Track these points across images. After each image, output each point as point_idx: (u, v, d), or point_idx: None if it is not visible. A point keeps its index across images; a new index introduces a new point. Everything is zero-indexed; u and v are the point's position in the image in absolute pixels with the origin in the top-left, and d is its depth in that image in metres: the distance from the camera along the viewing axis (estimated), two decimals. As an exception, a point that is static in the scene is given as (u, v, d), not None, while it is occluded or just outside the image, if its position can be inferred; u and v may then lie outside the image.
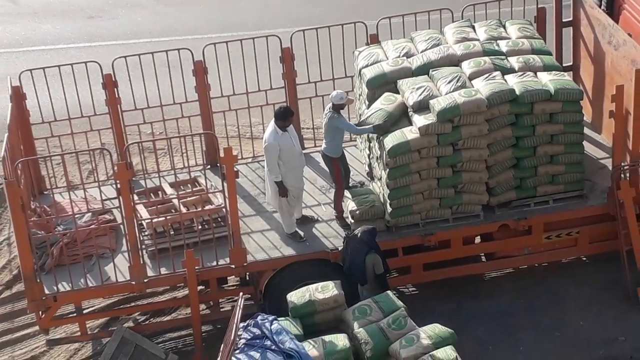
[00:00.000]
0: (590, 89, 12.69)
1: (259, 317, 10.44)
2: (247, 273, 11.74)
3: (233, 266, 11.36)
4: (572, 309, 11.71)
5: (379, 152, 11.54)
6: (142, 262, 11.25)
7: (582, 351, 11.17)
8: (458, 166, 11.38)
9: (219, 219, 11.63)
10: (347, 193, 11.75)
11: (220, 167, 11.17)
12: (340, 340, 10.19)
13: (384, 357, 10.19)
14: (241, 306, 10.26)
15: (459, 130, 11.24)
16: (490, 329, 11.52)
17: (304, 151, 12.05)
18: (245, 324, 10.37)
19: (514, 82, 11.46)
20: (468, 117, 11.18)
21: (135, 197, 11.46)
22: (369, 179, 12.28)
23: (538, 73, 11.65)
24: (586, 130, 12.04)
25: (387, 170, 11.27)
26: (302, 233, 11.55)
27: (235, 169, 10.97)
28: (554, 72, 11.65)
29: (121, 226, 11.30)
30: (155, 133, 13.59)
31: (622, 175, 11.59)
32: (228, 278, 12.14)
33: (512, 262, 12.04)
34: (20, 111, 12.17)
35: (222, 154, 10.93)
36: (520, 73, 11.60)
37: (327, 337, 10.24)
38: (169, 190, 12.05)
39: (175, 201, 11.66)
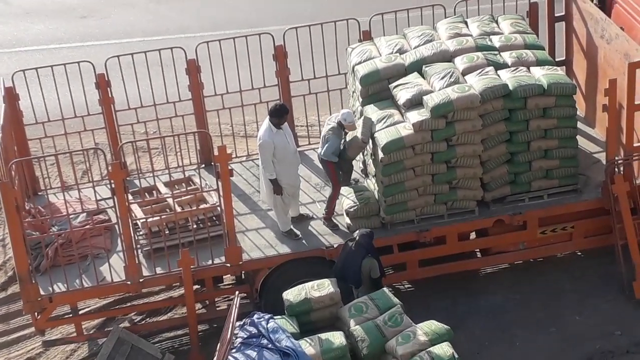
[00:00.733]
0: (583, 83, 12.69)
1: (255, 316, 10.41)
2: (243, 272, 11.72)
3: (228, 265, 11.33)
4: (568, 304, 11.71)
5: (373, 149, 11.51)
6: (137, 262, 11.22)
7: (578, 346, 11.17)
8: (452, 162, 11.36)
9: (214, 218, 11.59)
10: (342, 190, 11.72)
11: (214, 166, 11.14)
12: (337, 338, 10.18)
13: (380, 354, 10.18)
14: (237, 305, 10.23)
15: (452, 126, 11.22)
16: (486, 325, 11.51)
17: (298, 149, 12.01)
18: (242, 322, 10.35)
19: (507, 77, 11.44)
20: (462, 112, 11.16)
21: (130, 197, 11.42)
22: (364, 175, 12.26)
23: (531, 68, 11.64)
24: (580, 125, 12.03)
25: (382, 166, 11.25)
26: (297, 231, 11.52)
27: (229, 168, 10.94)
28: (547, 66, 11.64)
29: (116, 226, 11.27)
30: (149, 132, 13.55)
31: (616, 169, 11.58)
32: (224, 277, 12.13)
33: (507, 257, 12.03)
34: (14, 112, 12.13)
35: (216, 153, 10.90)
36: (513, 68, 11.59)
37: (323, 335, 10.22)
38: (163, 190, 12.01)
39: (170, 200, 11.63)
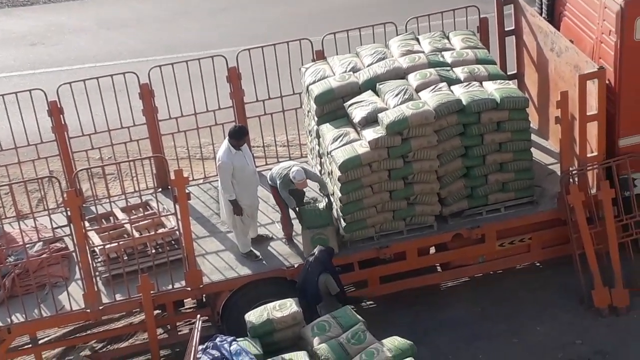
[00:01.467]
0: (536, 96, 12.85)
1: (218, 339, 10.38)
2: (204, 295, 11.68)
3: (189, 289, 11.29)
4: (529, 315, 11.81)
5: (330, 168, 11.56)
6: (96, 289, 11.14)
7: (540, 356, 11.26)
8: (409, 178, 11.44)
9: (173, 242, 11.55)
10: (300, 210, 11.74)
11: (171, 190, 11.11)
12: (300, 357, 10.17)
13: (344, 372, 10.18)
14: (199, 328, 10.19)
15: (408, 143, 11.30)
16: (449, 339, 11.57)
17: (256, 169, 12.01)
18: (204, 346, 10.31)
19: (460, 92, 11.55)
20: (417, 129, 11.25)
21: (87, 224, 11.35)
22: (321, 194, 12.28)
23: (483, 82, 11.77)
24: (533, 137, 12.16)
25: (339, 185, 11.29)
26: (257, 252, 11.52)
27: (186, 191, 10.92)
28: (499, 81, 11.77)
29: (73, 254, 11.17)
30: (104, 158, 13.46)
31: (571, 180, 11.73)
32: (184, 301, 12.06)
33: (467, 271, 12.11)
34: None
35: (172, 177, 10.87)
36: (466, 83, 11.71)
37: (287, 355, 10.22)
38: (120, 216, 11.95)
39: (128, 226, 11.57)
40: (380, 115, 11.38)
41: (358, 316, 10.62)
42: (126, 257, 11.39)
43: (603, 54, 11.69)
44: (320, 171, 12.11)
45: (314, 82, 12.05)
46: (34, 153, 12.67)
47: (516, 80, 13.13)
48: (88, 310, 11.15)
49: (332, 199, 11.55)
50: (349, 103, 11.71)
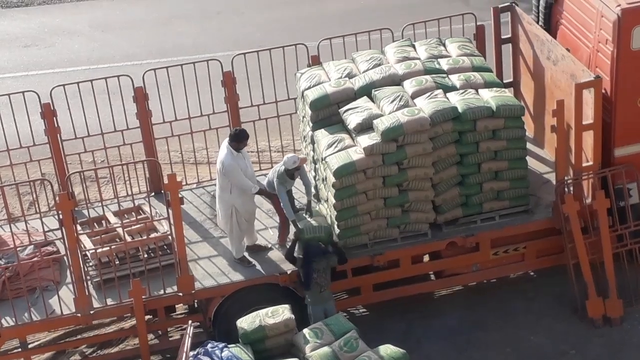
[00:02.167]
0: (532, 104, 12.89)
1: (209, 345, 10.39)
2: (196, 300, 11.68)
3: (181, 294, 11.29)
4: (522, 324, 11.83)
5: (324, 174, 11.59)
6: (87, 294, 11.14)
7: (534, 366, 11.31)
8: (404, 185, 11.47)
9: (165, 247, 11.56)
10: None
11: (164, 194, 11.13)
12: (292, 364, 10.18)
13: (336, 380, 10.20)
14: (190, 334, 10.20)
15: (403, 150, 11.33)
16: (442, 348, 11.59)
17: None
18: (195, 352, 10.31)
19: (456, 99, 11.59)
20: (412, 136, 11.28)
21: (79, 228, 11.36)
22: (315, 200, 12.32)
23: (479, 90, 11.80)
24: (529, 146, 12.21)
25: (334, 191, 11.32)
26: (250, 258, 11.53)
27: (179, 195, 10.93)
28: (495, 88, 11.80)
29: (65, 258, 11.18)
30: (97, 161, 13.48)
31: (566, 189, 11.76)
32: (176, 306, 12.07)
33: (461, 279, 12.13)
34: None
35: (166, 181, 10.89)
36: (461, 91, 11.74)
37: (278, 363, 10.22)
38: (112, 219, 11.96)
39: (120, 230, 11.58)
40: (375, 121, 11.42)
41: (351, 323, 10.64)
42: (118, 262, 11.40)
43: (599, 62, 11.74)
44: (314, 177, 12.13)
45: (309, 88, 12.08)
46: (26, 155, 12.67)
47: (512, 88, 13.16)
48: (79, 315, 11.15)
49: (312, 205, 11.50)
50: (344, 109, 11.74)
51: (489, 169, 11.67)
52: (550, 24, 12.78)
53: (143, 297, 11.11)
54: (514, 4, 12.84)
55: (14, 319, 11.13)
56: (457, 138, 11.55)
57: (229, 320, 11.16)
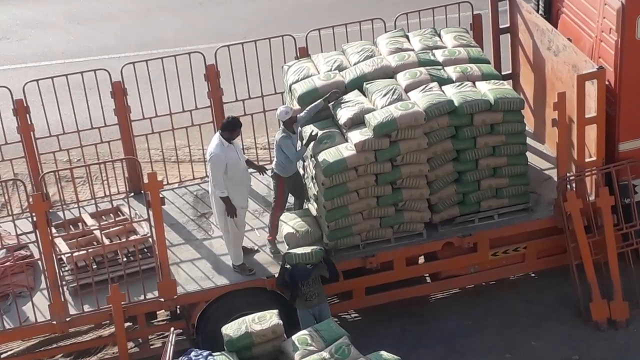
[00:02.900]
0: (532, 97, 12.88)
1: (193, 353, 10.34)
2: (178, 306, 11.62)
3: (162, 299, 11.24)
4: (523, 328, 11.82)
5: (314, 172, 11.54)
6: (63, 300, 11.08)
7: (535, 372, 11.29)
8: (398, 183, 11.43)
9: (145, 250, 11.51)
10: (282, 217, 11.71)
11: (144, 194, 11.06)
12: (281, 373, 10.14)
13: (328, 389, 10.16)
14: (173, 342, 10.16)
15: (397, 146, 11.30)
16: (438, 353, 11.57)
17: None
18: (178, 361, 10.26)
19: (452, 92, 11.56)
20: (406, 131, 11.25)
21: (54, 230, 11.30)
22: (305, 199, 12.26)
23: (477, 83, 11.78)
24: (529, 141, 12.19)
25: (323, 190, 11.27)
26: (250, 266, 11.42)
27: (160, 196, 10.87)
28: (493, 81, 11.79)
29: (39, 262, 11.12)
30: (73, 160, 13.41)
31: (568, 186, 11.75)
32: (157, 312, 12.02)
33: (458, 281, 12.11)
34: None
35: (146, 180, 10.83)
36: (458, 83, 11.72)
37: (266, 371, 10.18)
38: (89, 221, 11.91)
39: (97, 232, 11.53)
40: (367, 116, 11.38)
41: (342, 329, 10.61)
42: (95, 266, 11.35)
43: (603, 53, 11.72)
44: (303, 175, 12.07)
45: (297, 81, 12.03)
46: (-3, 154, 12.61)
47: (511, 81, 13.15)
48: (54, 322, 11.10)
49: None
50: (334, 103, 11.69)
51: (487, 165, 11.64)
52: (551, 13, 12.77)
53: (122, 303, 11.05)
54: (512, -8, 12.83)
55: (-15, 327, 11.05)
56: (453, 133, 11.52)
57: (213, 326, 11.11)
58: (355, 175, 11.28)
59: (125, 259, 11.35)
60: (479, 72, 11.89)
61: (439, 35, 12.52)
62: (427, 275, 12.25)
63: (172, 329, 10.51)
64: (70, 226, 11.77)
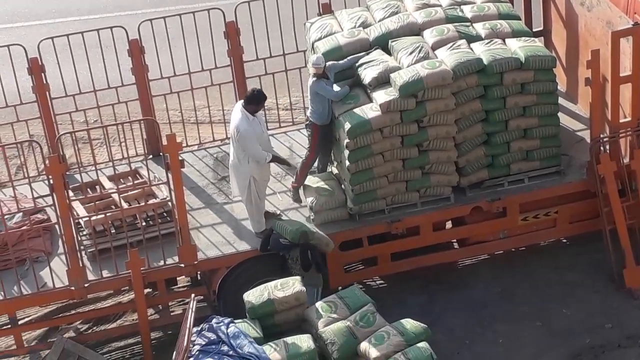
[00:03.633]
0: (564, 55, 12.79)
1: (214, 321, 10.40)
2: (199, 272, 11.69)
3: (182, 265, 11.30)
4: (554, 296, 11.82)
5: (337, 133, 11.52)
6: (81, 265, 11.15)
7: (567, 341, 11.28)
8: (424, 145, 11.40)
9: (165, 214, 11.55)
10: (306, 180, 11.71)
11: (163, 157, 11.09)
12: (304, 341, 10.19)
13: (352, 357, 10.21)
14: (193, 309, 10.21)
15: (423, 106, 11.25)
16: (466, 322, 11.60)
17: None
18: (199, 328, 10.33)
19: (481, 50, 11.49)
20: (433, 90, 11.20)
21: (71, 194, 11.35)
22: (329, 161, 12.26)
23: (506, 40, 11.70)
24: (561, 101, 12.12)
25: (347, 152, 11.26)
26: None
27: (180, 158, 10.89)
28: (523, 38, 11.71)
29: (56, 226, 11.18)
30: (90, 121, 13.45)
31: (602, 148, 11.70)
32: (177, 278, 12.09)
33: (486, 247, 12.11)
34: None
35: (164, 142, 10.84)
36: (487, 41, 11.65)
37: (289, 339, 10.23)
38: (107, 185, 11.95)
39: (115, 196, 11.57)
40: (392, 75, 11.33)
41: (367, 296, 10.64)
42: (114, 230, 11.40)
43: (638, 8, 11.59)
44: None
45: (320, 39, 11.99)
46: (12, 115, 12.65)
47: (542, 38, 13.07)
48: (72, 288, 11.17)
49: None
50: (359, 63, 11.63)
51: (517, 127, 11.59)
52: (585, -33, 12.62)
53: (141, 268, 11.11)
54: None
55: (2, 293, 11.16)
56: (482, 93, 11.47)
57: (235, 293, 11.16)
58: (380, 137, 11.25)
59: (144, 224, 11.41)
60: (509, 28, 11.80)
61: (468, -9, 12.41)
62: (455, 241, 12.24)
63: (192, 295, 10.56)
64: (88, 189, 11.83)
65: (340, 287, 11.38)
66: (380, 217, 11.59)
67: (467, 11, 12.06)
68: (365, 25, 12.06)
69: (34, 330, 11.97)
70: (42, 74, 12.21)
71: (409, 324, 10.24)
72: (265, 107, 13.14)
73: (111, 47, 12.44)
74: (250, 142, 11.04)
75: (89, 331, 11.97)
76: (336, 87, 11.41)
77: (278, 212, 11.75)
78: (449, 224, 12.10)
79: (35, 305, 11.80)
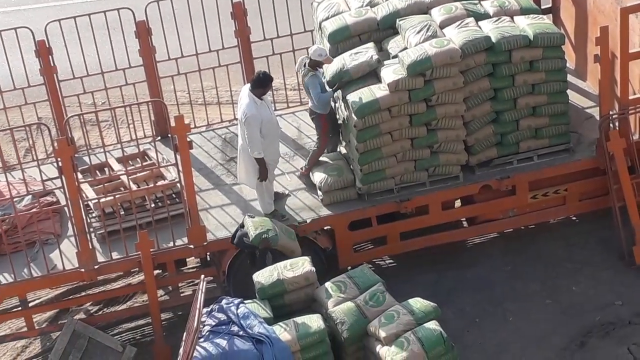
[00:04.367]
0: (572, 32, 12.74)
1: (224, 301, 10.44)
2: (208, 253, 11.71)
3: (192, 246, 11.33)
4: (563, 274, 11.83)
5: (345, 113, 11.52)
6: (91, 247, 11.19)
7: (576, 319, 11.29)
8: (433, 124, 11.40)
9: (174, 195, 11.58)
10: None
11: (171, 138, 11.10)
12: (314, 321, 10.22)
13: (362, 336, 10.24)
14: (203, 290, 10.24)
15: (431, 85, 11.24)
16: (475, 300, 11.61)
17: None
18: (209, 309, 10.37)
19: (489, 28, 11.47)
20: (441, 69, 11.19)
21: (80, 176, 11.37)
22: (339, 140, 12.26)
23: (515, 17, 11.68)
24: (570, 78, 12.10)
25: (356, 132, 11.26)
26: (282, 212, 11.45)
27: (188, 139, 10.90)
28: (532, 15, 11.69)
29: (65, 208, 11.22)
30: (97, 103, 13.47)
31: (611, 125, 11.67)
32: (187, 260, 12.11)
33: (496, 226, 12.10)
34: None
35: (172, 124, 10.85)
36: (495, 18, 11.62)
37: (299, 319, 10.26)
38: (116, 166, 11.98)
39: (124, 178, 11.59)
40: (401, 54, 11.32)
41: (376, 276, 10.66)
42: (123, 212, 11.43)
43: (648, -16, 11.55)
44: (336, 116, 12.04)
45: (327, 18, 11.98)
46: (20, 98, 12.68)
47: (551, 15, 13.02)
48: (82, 270, 11.21)
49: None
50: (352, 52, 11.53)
51: (526, 104, 11.58)
52: (593, -58, 12.56)
53: (151, 250, 11.15)
54: None
55: (12, 275, 11.20)
56: (490, 71, 11.45)
57: (244, 274, 11.18)
58: (388, 116, 11.25)
59: (153, 205, 11.43)
60: (517, 6, 11.78)
61: (476, -32, 12.37)
62: (464, 219, 12.25)
63: (202, 276, 10.58)
64: (97, 171, 11.86)
65: (349, 267, 11.40)
66: (389, 196, 11.60)
67: (475, -11, 12.04)
68: (372, 4, 12.04)
69: (45, 313, 12.03)
70: (50, 57, 12.22)
71: (419, 303, 10.26)
72: (273, 88, 13.21)
73: (118, 29, 12.45)
74: (253, 129, 10.98)
75: (99, 313, 12.02)
76: (325, 88, 11.36)
77: (287, 192, 11.77)
78: (458, 203, 12.10)
79: (45, 288, 11.86)
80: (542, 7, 12.89)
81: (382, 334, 9.99)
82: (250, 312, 10.24)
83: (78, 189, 11.02)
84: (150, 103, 12.38)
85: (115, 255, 11.30)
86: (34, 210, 11.47)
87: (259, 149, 11.03)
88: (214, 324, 10.17)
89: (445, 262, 12.07)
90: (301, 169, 11.86)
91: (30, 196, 11.61)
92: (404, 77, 11.18)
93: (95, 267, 11.23)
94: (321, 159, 11.79)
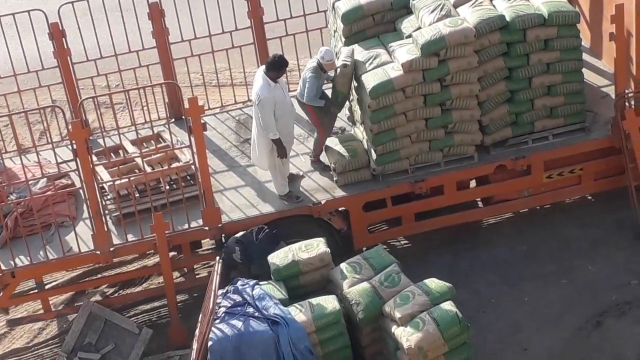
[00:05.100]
0: (587, 10, 12.68)
1: (239, 283, 10.48)
2: (223, 235, 11.74)
3: (207, 228, 11.36)
4: (579, 253, 11.82)
5: (359, 94, 11.51)
6: (106, 230, 11.23)
7: (592, 298, 11.29)
8: (447, 104, 11.38)
9: (188, 177, 11.61)
10: (327, 142, 11.74)
11: (185, 120, 11.11)
12: (329, 302, 10.26)
13: (377, 317, 10.27)
14: (219, 271, 10.28)
15: (446, 65, 11.22)
16: (491, 281, 11.62)
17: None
18: (225, 290, 10.42)
19: (503, 7, 11.43)
20: (455, 49, 11.16)
21: (94, 158, 11.41)
22: (350, 123, 12.27)
23: (529, -4, 11.64)
24: (585, 56, 12.05)
25: (370, 113, 11.26)
26: (297, 193, 11.48)
27: (202, 121, 10.92)
28: (546, -6, 11.63)
29: (80, 191, 11.26)
30: (111, 86, 13.49)
31: (627, 104, 11.63)
32: (202, 241, 12.15)
33: (511, 206, 12.10)
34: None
35: (186, 105, 10.87)
36: (510, -4, 11.59)
37: (314, 300, 10.30)
38: (130, 149, 12.01)
39: (139, 160, 11.62)
40: (414, 34, 11.30)
41: (391, 256, 10.68)
42: (138, 194, 11.47)
43: (664, -38, 11.48)
44: (348, 99, 12.02)
45: (340, -1, 11.95)
46: (34, 81, 12.71)
47: (566, -7, 12.95)
48: (98, 252, 11.26)
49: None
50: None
51: (541, 84, 11.55)
52: None
53: (166, 232, 11.18)
54: None
55: (28, 258, 11.26)
56: (505, 50, 11.43)
57: (259, 255, 11.20)
58: (402, 96, 11.24)
59: (167, 187, 11.47)
60: (531, -16, 11.73)
61: (490, -53, 12.31)
62: (479, 200, 12.24)
63: (217, 258, 10.63)
64: (111, 154, 11.89)
65: (364, 248, 11.42)
66: (403, 177, 11.60)
67: (489, -33, 11.98)
68: (386, -17, 12.01)
69: (61, 295, 12.11)
70: (63, 39, 12.24)
71: (434, 283, 10.28)
72: (287, 69, 13.20)
73: (131, 11, 12.45)
74: (266, 110, 11.00)
75: (115, 295, 12.09)
76: (320, 92, 11.37)
77: (301, 173, 11.78)
78: (473, 183, 12.09)
79: (61, 270, 11.93)
80: (557, -15, 12.81)
81: (398, 314, 10.02)
82: (266, 294, 10.28)
83: (93, 172, 11.06)
84: (163, 85, 12.39)
85: (130, 237, 11.34)
86: (49, 192, 11.52)
87: (273, 130, 11.05)
88: (229, 305, 10.22)
89: (460, 243, 12.08)
90: (310, 157, 11.84)
91: (45, 179, 11.66)
92: (418, 57, 11.16)
93: (111, 249, 11.29)
94: (334, 139, 11.78)
